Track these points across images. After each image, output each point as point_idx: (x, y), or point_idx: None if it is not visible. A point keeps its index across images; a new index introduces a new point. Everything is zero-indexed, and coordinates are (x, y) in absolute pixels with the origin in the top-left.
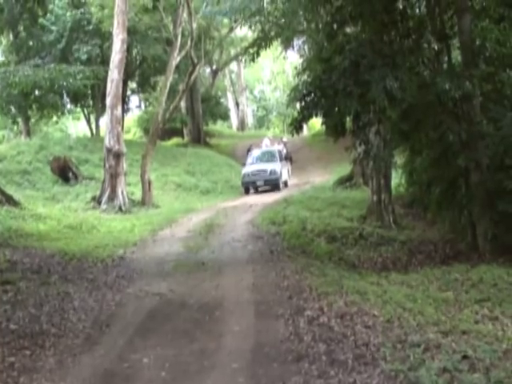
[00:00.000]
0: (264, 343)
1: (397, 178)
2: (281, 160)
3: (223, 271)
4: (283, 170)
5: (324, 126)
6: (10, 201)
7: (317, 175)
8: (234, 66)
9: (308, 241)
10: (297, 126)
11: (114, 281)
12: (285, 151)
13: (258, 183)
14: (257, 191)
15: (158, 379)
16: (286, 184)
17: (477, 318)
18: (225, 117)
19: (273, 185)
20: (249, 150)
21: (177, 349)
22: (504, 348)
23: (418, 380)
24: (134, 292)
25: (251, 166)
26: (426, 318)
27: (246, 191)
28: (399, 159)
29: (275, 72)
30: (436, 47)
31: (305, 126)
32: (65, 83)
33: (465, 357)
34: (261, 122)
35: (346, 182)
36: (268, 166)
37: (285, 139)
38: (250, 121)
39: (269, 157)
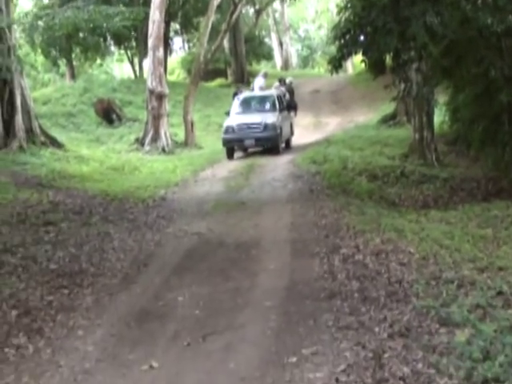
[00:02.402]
0: (298, 281)
1: (441, 116)
2: (281, 110)
3: (262, 210)
4: (284, 125)
5: (364, 64)
6: (55, 143)
7: (361, 114)
8: (277, 4)
9: (348, 180)
10: (336, 64)
11: (154, 221)
12: (287, 97)
13: (247, 142)
14: (245, 152)
15: (191, 317)
16: (287, 144)
17: None
18: (268, 57)
19: (269, 145)
20: (235, 94)
21: (212, 287)
22: None
23: (449, 316)
24: (174, 232)
25: (237, 117)
26: (463, 255)
27: (229, 154)
28: (443, 97)
29: (319, 11)
30: None
31: (349, 65)
32: (104, 25)
33: (499, 293)
34: (305, 62)
35: (389, 120)
36: (262, 118)
37: (289, 79)
38: (294, 60)
39: (263, 104)
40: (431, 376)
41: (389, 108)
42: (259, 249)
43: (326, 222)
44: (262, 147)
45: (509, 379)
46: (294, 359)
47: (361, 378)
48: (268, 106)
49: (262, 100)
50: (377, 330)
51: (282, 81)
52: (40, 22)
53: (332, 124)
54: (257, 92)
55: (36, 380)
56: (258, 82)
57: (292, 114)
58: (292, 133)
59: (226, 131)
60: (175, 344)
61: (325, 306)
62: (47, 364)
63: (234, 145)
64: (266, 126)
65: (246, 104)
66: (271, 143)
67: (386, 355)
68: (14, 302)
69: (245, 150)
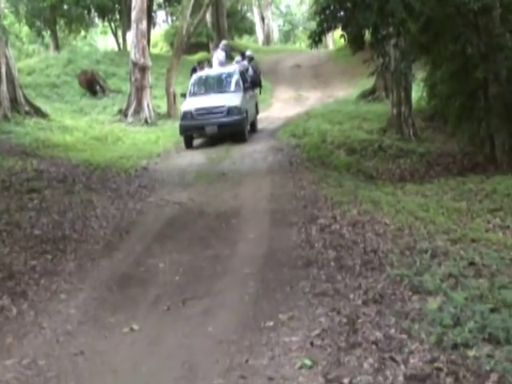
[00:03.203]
0: (276, 250)
1: (419, 92)
2: (245, 89)
3: (243, 181)
4: (249, 106)
5: (343, 39)
6: (39, 112)
7: (340, 89)
8: None
9: (327, 153)
10: (315, 39)
11: (136, 190)
12: (251, 72)
13: (208, 129)
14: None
15: (171, 283)
16: (253, 127)
17: (488, 226)
18: (250, 31)
19: (234, 131)
20: (194, 70)
21: (192, 255)
22: None
23: (421, 284)
24: (155, 201)
25: (195, 100)
26: (437, 227)
27: (187, 143)
28: (421, 73)
29: None
30: None
31: (330, 41)
32: None
33: (471, 263)
34: (287, 37)
35: (368, 95)
36: (224, 101)
37: (249, 52)
38: (275, 35)
39: (225, 84)
40: (403, 341)
41: (368, 83)
42: (239, 218)
43: (305, 194)
44: (226, 134)
45: (477, 344)
46: (271, 323)
47: (335, 342)
48: (231, 85)
49: (224, 78)
50: (351, 296)
51: (243, 54)
52: None
53: (312, 98)
54: (216, 69)
55: (19, 340)
56: (218, 55)
57: (256, 91)
58: (257, 112)
59: (184, 117)
60: (156, 308)
61: (302, 274)
62: (30, 325)
63: (192, 133)
64: (229, 110)
65: (205, 84)
66: (236, 129)
67: (359, 321)
68: None
69: (205, 137)
